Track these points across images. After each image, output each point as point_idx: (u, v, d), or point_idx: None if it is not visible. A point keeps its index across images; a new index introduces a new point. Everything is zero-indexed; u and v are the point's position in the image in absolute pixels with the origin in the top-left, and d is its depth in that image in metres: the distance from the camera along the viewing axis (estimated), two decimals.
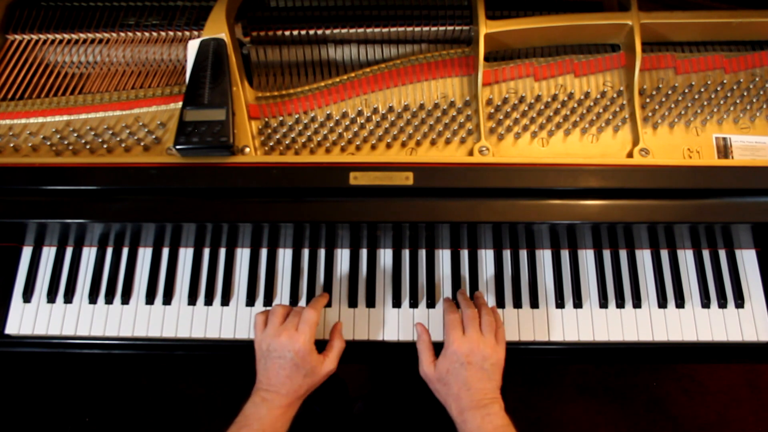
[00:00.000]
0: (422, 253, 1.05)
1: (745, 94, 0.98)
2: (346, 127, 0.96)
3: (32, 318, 1.02)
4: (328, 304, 1.01)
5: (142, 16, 1.04)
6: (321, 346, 0.93)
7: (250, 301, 1.02)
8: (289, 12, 1.03)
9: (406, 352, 1.01)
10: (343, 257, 1.05)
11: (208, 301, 1.02)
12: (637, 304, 1.01)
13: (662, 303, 1.01)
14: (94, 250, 1.06)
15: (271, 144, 0.95)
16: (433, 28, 1.01)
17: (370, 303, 1.02)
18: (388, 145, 0.96)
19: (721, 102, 0.98)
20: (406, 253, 1.05)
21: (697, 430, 1.76)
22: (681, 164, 0.91)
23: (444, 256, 1.05)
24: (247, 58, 1.03)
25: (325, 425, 1.17)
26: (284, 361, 0.86)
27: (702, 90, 0.99)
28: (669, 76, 1.00)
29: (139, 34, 1.03)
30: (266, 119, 0.97)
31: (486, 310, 0.93)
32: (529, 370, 1.82)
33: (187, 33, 1.02)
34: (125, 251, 1.05)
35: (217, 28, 0.95)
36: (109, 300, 1.02)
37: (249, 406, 0.85)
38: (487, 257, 1.05)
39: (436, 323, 1.00)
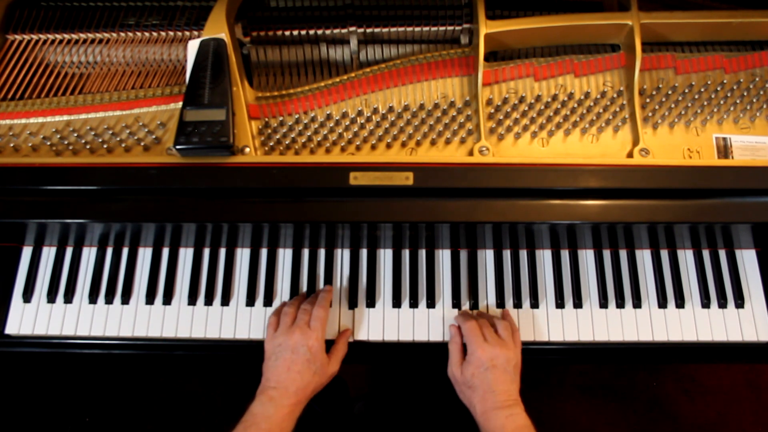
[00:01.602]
0: (422, 253, 1.05)
1: (745, 94, 0.98)
2: (346, 127, 0.96)
3: (32, 318, 1.02)
4: None
5: (142, 16, 1.04)
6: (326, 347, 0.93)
7: (250, 301, 1.02)
8: (289, 12, 1.03)
9: (407, 352, 1.01)
10: (343, 257, 1.05)
11: (208, 301, 1.02)
12: (637, 304, 1.01)
13: (662, 303, 1.01)
14: (94, 250, 1.06)
15: (271, 144, 0.95)
16: (434, 28, 1.01)
17: (370, 303, 1.02)
18: (388, 145, 0.96)
19: (721, 102, 0.98)
20: (406, 253, 1.05)
21: (697, 430, 1.76)
22: (681, 164, 0.91)
23: (444, 256, 1.05)
24: (247, 58, 1.03)
25: (326, 425, 1.17)
26: (296, 356, 0.88)
27: (702, 90, 0.99)
28: (669, 76, 1.00)
29: (139, 34, 1.02)
30: (266, 119, 0.97)
31: (500, 316, 0.98)
32: (529, 370, 1.82)
33: (187, 33, 1.02)
34: (125, 251, 1.05)
35: (217, 28, 0.95)
36: (109, 300, 1.02)
37: (256, 405, 0.85)
38: (487, 257, 1.05)
39: (435, 323, 1.00)
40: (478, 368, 0.89)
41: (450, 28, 1.00)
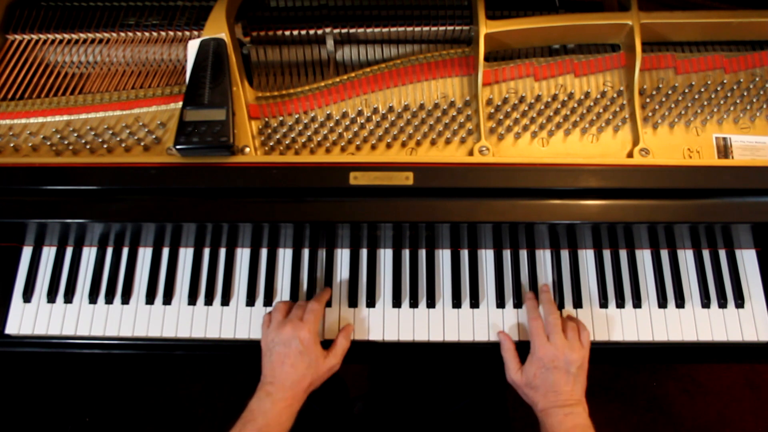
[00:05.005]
0: (422, 253, 1.05)
1: (745, 94, 0.98)
2: (346, 127, 0.96)
3: (32, 318, 1.02)
4: (329, 304, 1.01)
5: (142, 16, 1.04)
6: (326, 346, 0.93)
7: (250, 301, 1.02)
8: (289, 12, 1.03)
9: (407, 352, 1.01)
10: (343, 257, 1.05)
11: (208, 301, 1.02)
12: (637, 304, 1.01)
13: (662, 303, 1.01)
14: (94, 250, 1.06)
15: (271, 144, 0.95)
16: (433, 28, 1.01)
17: (370, 303, 1.02)
18: (388, 145, 0.96)
19: (721, 102, 0.98)
20: (406, 253, 1.05)
21: (697, 430, 1.76)
22: (681, 164, 0.91)
23: (444, 256, 1.04)
24: (247, 58, 1.03)
25: (325, 425, 1.17)
26: (288, 350, 0.89)
27: (702, 90, 0.99)
28: (669, 76, 1.00)
29: (139, 34, 1.02)
30: (266, 119, 0.97)
31: (567, 316, 0.98)
32: None
33: (187, 33, 1.02)
34: (125, 251, 1.05)
35: (217, 28, 0.95)
36: (109, 300, 1.02)
37: (254, 401, 0.87)
38: (487, 257, 1.05)
39: (436, 323, 1.00)
40: (540, 368, 0.90)
41: (450, 28, 1.00)
